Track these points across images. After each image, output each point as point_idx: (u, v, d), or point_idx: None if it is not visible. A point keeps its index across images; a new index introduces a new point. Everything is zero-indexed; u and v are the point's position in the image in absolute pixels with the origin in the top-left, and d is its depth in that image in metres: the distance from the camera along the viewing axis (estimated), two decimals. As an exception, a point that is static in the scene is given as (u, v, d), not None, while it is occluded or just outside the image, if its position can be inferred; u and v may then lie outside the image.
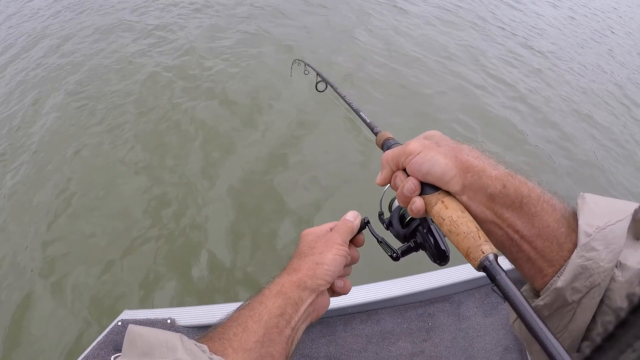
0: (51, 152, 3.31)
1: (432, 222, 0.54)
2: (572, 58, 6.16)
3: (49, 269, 2.46)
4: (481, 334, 1.62)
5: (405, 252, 0.58)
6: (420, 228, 0.56)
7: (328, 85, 1.21)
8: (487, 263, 0.40)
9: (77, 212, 2.80)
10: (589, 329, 0.38)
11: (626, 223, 0.39)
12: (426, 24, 6.01)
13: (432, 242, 0.54)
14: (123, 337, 1.47)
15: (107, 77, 4.14)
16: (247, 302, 0.51)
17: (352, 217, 0.61)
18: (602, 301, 0.37)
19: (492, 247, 0.41)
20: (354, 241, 0.62)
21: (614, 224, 0.39)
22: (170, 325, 1.44)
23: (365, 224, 0.63)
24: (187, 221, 2.74)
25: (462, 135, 3.76)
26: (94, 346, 1.35)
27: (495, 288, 0.39)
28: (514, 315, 0.42)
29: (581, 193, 0.44)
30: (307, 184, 3.10)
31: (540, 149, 3.95)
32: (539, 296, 0.41)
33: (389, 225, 0.61)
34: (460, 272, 1.65)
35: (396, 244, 0.60)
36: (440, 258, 0.54)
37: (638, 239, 0.40)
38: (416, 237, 0.57)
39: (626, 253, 0.38)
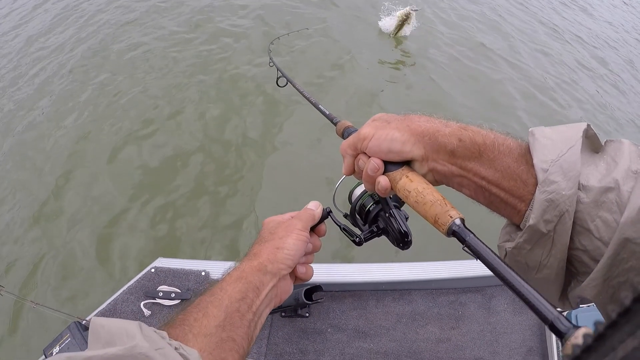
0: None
1: (394, 207, 0.56)
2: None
3: (87, 208, 2.39)
4: (508, 331, 1.61)
5: (368, 237, 0.60)
6: (382, 213, 0.58)
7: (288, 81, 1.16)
8: (455, 227, 0.42)
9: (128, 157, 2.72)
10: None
11: (578, 147, 0.40)
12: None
13: (395, 226, 0.55)
14: (155, 284, 1.37)
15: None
16: (208, 289, 0.51)
17: (314, 207, 0.62)
18: (574, 223, 0.40)
19: (459, 212, 0.43)
20: (315, 230, 0.63)
21: (566, 153, 0.40)
22: (204, 278, 1.35)
23: (327, 213, 0.63)
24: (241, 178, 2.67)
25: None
26: (124, 290, 1.26)
27: (466, 249, 0.41)
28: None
29: (530, 129, 0.44)
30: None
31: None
32: (521, 229, 0.43)
33: (350, 216, 0.62)
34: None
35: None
36: (403, 242, 0.55)
37: (597, 152, 0.43)
38: (378, 222, 0.59)
39: (587, 173, 0.40)
